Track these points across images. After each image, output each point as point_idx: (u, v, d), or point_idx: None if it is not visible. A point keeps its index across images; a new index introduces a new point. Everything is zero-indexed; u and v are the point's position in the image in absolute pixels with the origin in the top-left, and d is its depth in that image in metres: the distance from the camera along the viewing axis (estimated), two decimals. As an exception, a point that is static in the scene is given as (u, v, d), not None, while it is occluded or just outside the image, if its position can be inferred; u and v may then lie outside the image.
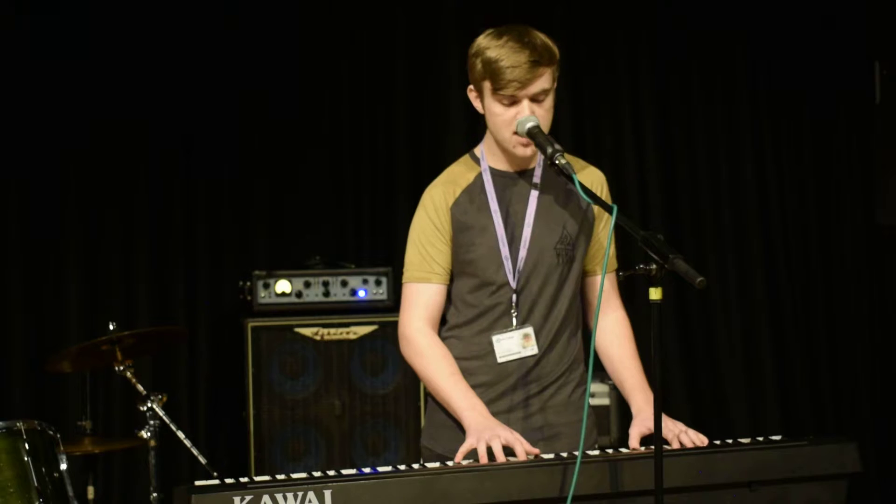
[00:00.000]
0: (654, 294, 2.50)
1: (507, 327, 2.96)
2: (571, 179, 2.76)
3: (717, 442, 2.85)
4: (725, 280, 6.05)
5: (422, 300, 2.97)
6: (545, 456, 2.79)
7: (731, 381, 6.02)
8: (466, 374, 2.96)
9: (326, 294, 5.39)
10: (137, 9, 5.58)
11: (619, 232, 2.59)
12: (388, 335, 5.19)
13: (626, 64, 6.04)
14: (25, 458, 3.78)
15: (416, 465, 2.73)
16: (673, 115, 6.09)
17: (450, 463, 2.75)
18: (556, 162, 2.79)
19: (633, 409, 2.99)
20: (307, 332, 5.32)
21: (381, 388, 5.26)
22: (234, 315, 5.54)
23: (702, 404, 6.03)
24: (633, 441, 2.87)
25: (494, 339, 2.96)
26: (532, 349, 2.96)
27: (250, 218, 5.78)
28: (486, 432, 2.75)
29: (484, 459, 2.69)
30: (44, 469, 3.82)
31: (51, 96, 5.48)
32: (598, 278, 3.04)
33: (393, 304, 5.30)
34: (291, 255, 5.68)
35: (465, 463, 2.73)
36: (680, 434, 2.84)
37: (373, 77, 5.90)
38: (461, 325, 3.01)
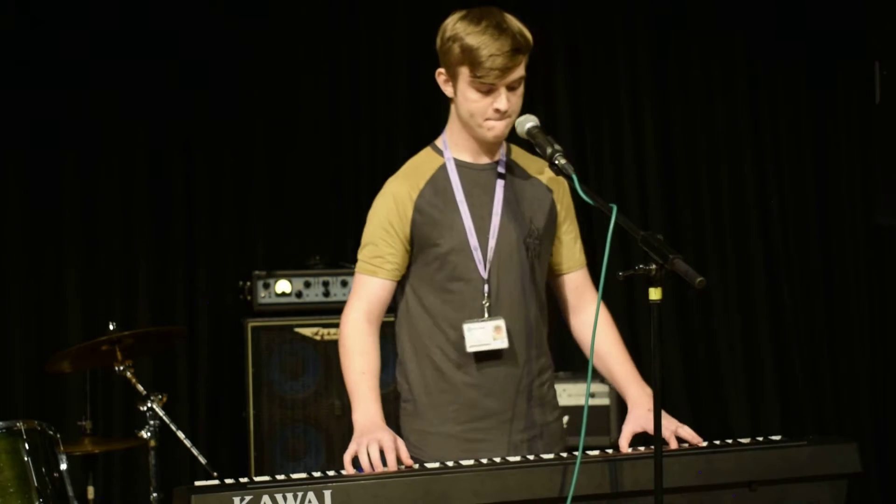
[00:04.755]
0: (654, 294, 2.50)
1: (478, 318, 2.93)
2: (571, 179, 2.75)
3: (717, 442, 2.85)
4: (725, 280, 6.05)
5: (365, 292, 2.97)
6: (545, 456, 2.79)
7: (731, 381, 6.02)
8: (452, 384, 2.95)
9: (326, 294, 5.39)
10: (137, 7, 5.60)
11: (619, 232, 2.58)
12: (388, 335, 5.18)
13: (625, 63, 6.04)
14: (25, 458, 3.78)
15: (415, 465, 2.73)
16: (673, 116, 6.09)
17: (450, 463, 2.75)
18: (556, 162, 2.78)
19: (630, 402, 2.99)
20: (307, 332, 5.32)
21: (380, 388, 5.26)
22: (234, 315, 5.55)
23: (702, 404, 6.03)
24: (624, 441, 2.86)
25: (465, 327, 2.92)
26: (502, 342, 2.92)
27: (250, 218, 5.78)
28: (365, 437, 2.72)
29: (367, 468, 2.66)
30: (44, 469, 3.82)
31: (49, 97, 5.49)
32: (571, 276, 3.08)
33: (392, 304, 5.30)
34: (291, 255, 5.69)
35: (454, 464, 2.73)
36: (677, 429, 2.84)
37: (373, 77, 5.90)
38: (435, 337, 2.97)
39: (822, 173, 6.14)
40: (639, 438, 2.91)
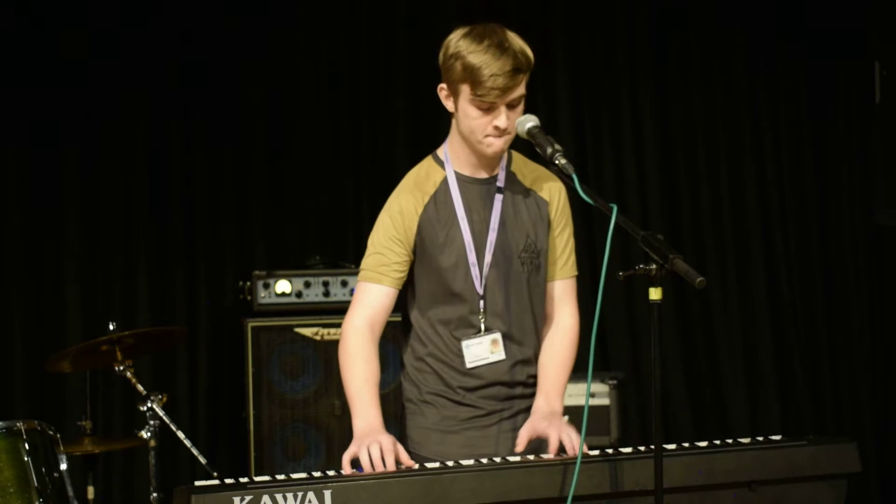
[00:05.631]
0: (654, 294, 2.51)
1: (475, 333, 2.98)
2: (571, 179, 2.75)
3: (717, 442, 2.85)
4: (725, 280, 6.05)
5: (369, 299, 2.98)
6: (545, 456, 2.79)
7: (731, 381, 6.02)
8: (451, 387, 2.98)
9: (326, 294, 5.39)
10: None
11: (619, 232, 2.59)
12: (388, 335, 5.17)
13: (625, 63, 6.04)
14: (25, 458, 3.78)
15: (415, 465, 2.73)
16: (673, 115, 6.09)
17: (450, 463, 2.75)
18: (556, 162, 2.79)
19: (532, 409, 2.97)
20: (307, 332, 5.32)
21: (381, 388, 5.25)
22: (234, 315, 5.55)
23: (702, 404, 6.03)
24: (520, 443, 2.85)
25: (464, 344, 2.98)
26: (499, 354, 2.98)
27: (250, 218, 5.78)
28: (366, 439, 2.75)
29: (367, 467, 2.68)
30: (44, 469, 3.82)
31: (49, 97, 5.49)
32: (554, 284, 3.07)
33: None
34: (291, 255, 5.69)
35: (454, 464, 2.73)
36: (561, 434, 2.81)
37: (373, 77, 5.90)
38: (437, 342, 3.01)
39: (821, 173, 6.14)
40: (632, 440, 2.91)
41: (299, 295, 5.39)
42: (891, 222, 5.92)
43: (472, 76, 2.84)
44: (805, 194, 6.13)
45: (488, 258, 2.97)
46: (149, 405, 4.36)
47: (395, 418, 3.11)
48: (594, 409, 5.32)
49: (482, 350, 2.98)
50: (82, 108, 5.54)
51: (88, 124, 5.56)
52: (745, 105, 6.10)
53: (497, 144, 2.92)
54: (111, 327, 4.46)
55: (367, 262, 3.00)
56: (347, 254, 5.74)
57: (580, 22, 6.01)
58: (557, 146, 2.81)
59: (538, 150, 2.86)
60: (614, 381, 5.42)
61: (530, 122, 2.88)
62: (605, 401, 5.40)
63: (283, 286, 5.38)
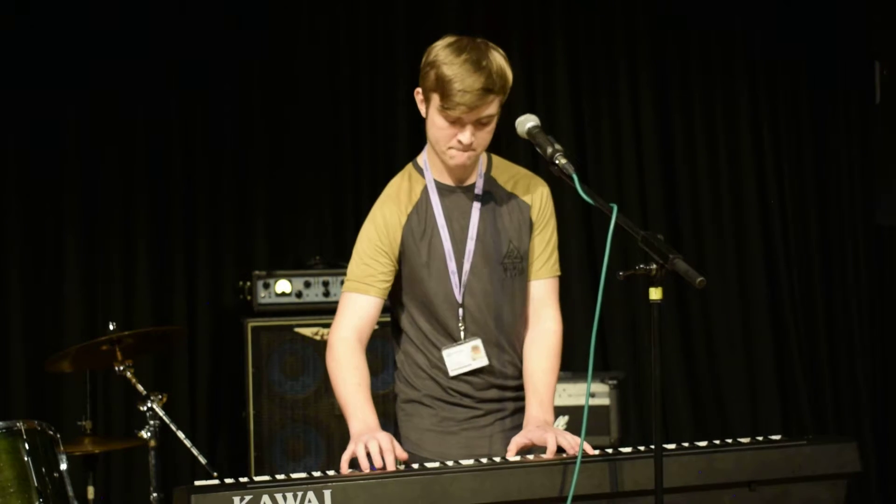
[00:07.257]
0: (654, 294, 2.50)
1: (455, 341, 2.98)
2: (571, 179, 2.75)
3: (717, 442, 2.85)
4: (725, 280, 6.05)
5: (355, 310, 2.99)
6: (545, 456, 2.79)
7: (731, 381, 6.02)
8: (445, 389, 2.99)
9: (326, 294, 5.40)
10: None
11: (619, 232, 2.58)
12: (388, 335, 5.18)
13: (625, 64, 6.04)
14: (25, 458, 3.78)
15: (415, 465, 2.73)
16: (673, 115, 6.09)
17: (450, 463, 2.75)
18: (556, 162, 2.77)
19: (525, 419, 2.97)
20: (307, 332, 5.32)
21: (380, 388, 5.26)
22: (234, 315, 5.55)
23: (702, 404, 6.03)
24: (511, 449, 2.84)
25: (445, 353, 2.99)
26: (481, 360, 2.98)
27: (250, 218, 5.78)
28: (363, 437, 2.76)
29: (364, 464, 2.69)
30: (44, 469, 3.82)
31: (49, 97, 5.49)
32: (535, 284, 3.05)
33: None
34: (291, 255, 5.69)
35: (454, 464, 2.73)
36: (558, 438, 2.80)
37: (374, 77, 5.90)
38: (431, 349, 3.01)
39: (822, 173, 6.14)
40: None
41: (299, 295, 5.39)
42: (891, 222, 5.92)
43: (442, 87, 2.84)
44: (805, 194, 6.13)
45: (467, 266, 2.98)
46: (149, 405, 4.36)
47: (394, 418, 3.11)
48: (594, 409, 5.32)
49: (463, 357, 2.98)
50: (82, 108, 5.55)
51: (88, 124, 5.56)
52: (745, 105, 6.10)
53: (459, 158, 2.92)
54: (111, 327, 4.47)
55: (352, 272, 3.02)
56: (347, 254, 5.70)
57: (580, 21, 6.01)
58: (557, 146, 2.80)
59: (538, 149, 2.84)
60: (614, 381, 5.43)
61: (530, 122, 2.86)
62: (605, 401, 5.40)
63: (283, 286, 5.38)
